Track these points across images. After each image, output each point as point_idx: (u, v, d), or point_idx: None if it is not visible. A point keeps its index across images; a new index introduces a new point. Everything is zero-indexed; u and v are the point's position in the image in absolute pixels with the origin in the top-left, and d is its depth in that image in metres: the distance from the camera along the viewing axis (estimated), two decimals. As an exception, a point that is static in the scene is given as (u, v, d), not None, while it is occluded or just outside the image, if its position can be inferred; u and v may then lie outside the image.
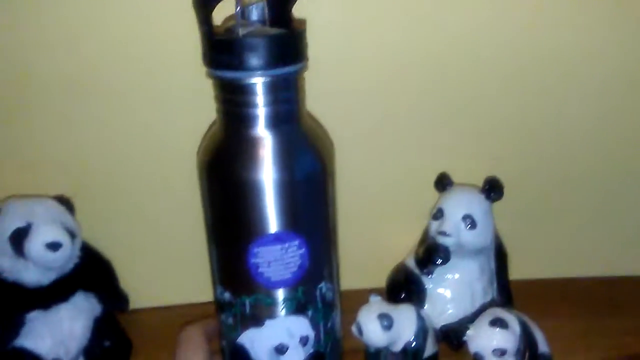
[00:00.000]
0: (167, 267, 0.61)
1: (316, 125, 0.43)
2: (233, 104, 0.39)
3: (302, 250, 0.41)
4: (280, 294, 0.41)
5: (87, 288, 0.54)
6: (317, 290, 0.43)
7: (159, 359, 0.54)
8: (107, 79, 0.53)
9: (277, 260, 0.40)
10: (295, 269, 0.41)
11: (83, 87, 0.54)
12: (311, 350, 0.43)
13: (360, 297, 0.50)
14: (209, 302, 0.48)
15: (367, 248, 0.62)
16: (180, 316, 0.60)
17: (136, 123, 0.55)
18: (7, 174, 0.56)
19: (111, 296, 0.56)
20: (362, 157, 0.58)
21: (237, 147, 0.39)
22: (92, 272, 0.54)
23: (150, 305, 0.62)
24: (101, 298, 0.55)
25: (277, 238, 0.40)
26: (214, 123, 0.42)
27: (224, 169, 0.39)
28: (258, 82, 0.37)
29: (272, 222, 0.39)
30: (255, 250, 0.40)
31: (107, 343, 0.54)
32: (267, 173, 0.39)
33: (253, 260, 0.40)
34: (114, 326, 0.55)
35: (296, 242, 0.40)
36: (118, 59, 0.53)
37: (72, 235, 0.51)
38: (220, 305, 0.43)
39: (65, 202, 0.53)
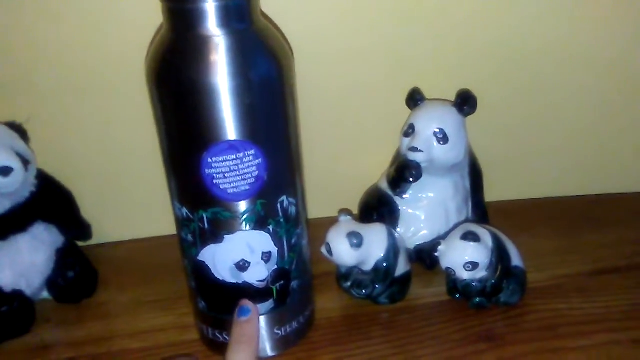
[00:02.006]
0: (130, 199, 0.59)
1: (273, 28, 0.40)
2: (179, -1, 0.36)
3: (259, 161, 0.38)
4: (239, 207, 0.39)
5: (46, 218, 0.52)
6: (279, 204, 0.41)
7: (125, 290, 0.54)
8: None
9: (232, 170, 0.38)
10: (252, 180, 0.39)
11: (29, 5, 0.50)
12: (275, 267, 0.42)
13: (330, 226, 0.49)
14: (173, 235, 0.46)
15: (337, 173, 0.60)
16: (146, 249, 0.59)
17: (83, 40, 0.52)
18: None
19: (71, 225, 0.54)
20: (327, 74, 0.55)
21: (186, 49, 0.36)
22: (50, 201, 0.52)
23: (117, 239, 0.60)
24: (61, 228, 0.53)
25: (232, 147, 0.37)
26: (160, 27, 0.39)
27: (172, 73, 0.37)
28: (204, -28, 0.35)
29: (227, 130, 0.37)
30: (209, 160, 0.37)
31: (71, 274, 0.52)
32: (220, 76, 0.36)
33: (208, 171, 0.38)
34: (77, 257, 0.54)
35: (252, 152, 0.38)
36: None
37: (25, 161, 0.49)
38: (179, 222, 0.42)
39: (17, 128, 0.51)
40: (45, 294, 0.52)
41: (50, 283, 0.52)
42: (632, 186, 0.64)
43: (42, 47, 0.52)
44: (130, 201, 0.59)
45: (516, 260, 0.49)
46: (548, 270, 0.52)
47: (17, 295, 0.49)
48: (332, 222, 0.49)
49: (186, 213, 0.40)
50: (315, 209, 0.55)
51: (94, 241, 0.58)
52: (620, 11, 0.57)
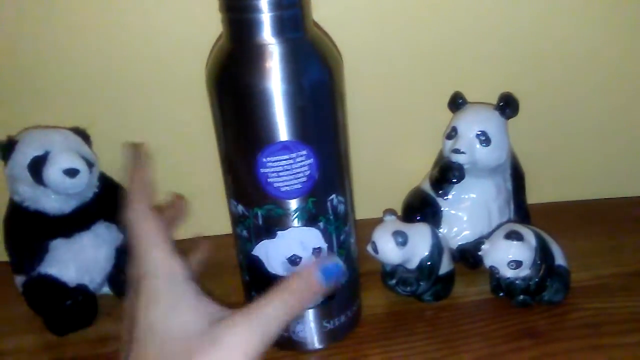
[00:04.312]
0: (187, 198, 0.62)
1: (323, 36, 0.42)
2: (237, 10, 0.38)
3: (311, 161, 0.41)
4: (291, 205, 0.42)
5: (107, 217, 0.55)
6: (328, 202, 0.43)
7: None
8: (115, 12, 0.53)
9: (285, 170, 0.40)
10: (304, 179, 0.41)
11: (93, 17, 0.54)
12: None
13: (375, 226, 0.50)
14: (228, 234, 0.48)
15: (381, 175, 0.62)
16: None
17: (144, 53, 0.55)
18: (24, 106, 0.56)
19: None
20: (374, 79, 0.57)
21: (243, 56, 0.39)
22: (111, 201, 0.54)
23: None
24: (121, 226, 0.56)
25: (285, 147, 0.40)
26: (220, 37, 0.41)
27: (231, 79, 0.39)
28: (260, -15, 0.37)
29: (280, 132, 0.40)
30: (264, 160, 0.40)
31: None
32: (274, 81, 0.38)
33: (262, 171, 0.40)
34: (135, 254, 0.56)
35: (304, 152, 0.40)
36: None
37: (89, 163, 0.52)
38: (234, 219, 0.44)
39: (81, 133, 0.54)
40: (106, 289, 0.55)
41: (111, 278, 0.55)
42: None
43: (109, 58, 0.56)
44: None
45: (560, 259, 0.50)
46: (591, 270, 0.53)
47: (81, 290, 0.52)
48: (377, 222, 0.51)
49: (242, 210, 0.42)
50: (362, 210, 0.57)
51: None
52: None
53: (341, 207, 0.44)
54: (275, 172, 0.40)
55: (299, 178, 0.41)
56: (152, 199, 0.39)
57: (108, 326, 0.52)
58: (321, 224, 0.43)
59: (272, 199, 0.41)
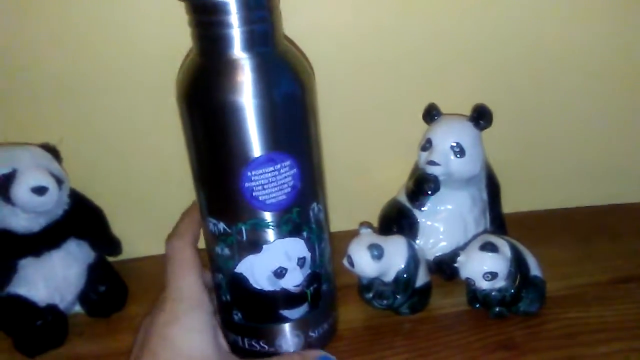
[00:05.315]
0: (160, 214, 0.61)
1: (294, 49, 0.42)
2: (207, 26, 0.38)
3: (294, 171, 0.40)
4: (276, 216, 0.41)
5: (78, 235, 0.54)
6: (310, 211, 0.43)
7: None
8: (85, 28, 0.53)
9: (270, 182, 0.40)
10: (288, 189, 0.41)
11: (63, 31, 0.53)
12: (308, 271, 0.44)
13: (351, 238, 0.50)
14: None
15: (357, 187, 0.62)
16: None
17: (115, 68, 0.55)
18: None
19: (102, 241, 0.56)
20: (347, 91, 0.57)
21: (216, 71, 0.38)
22: (82, 219, 0.54)
23: (146, 254, 0.62)
24: (93, 244, 0.55)
25: (270, 159, 0.39)
26: (190, 52, 0.41)
27: (204, 94, 0.39)
28: (231, 1, 0.36)
29: (262, 145, 0.39)
30: (249, 173, 0.39)
31: (102, 288, 0.54)
32: (246, 95, 0.38)
33: (247, 185, 0.40)
34: (108, 271, 0.56)
35: (288, 162, 0.40)
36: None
37: (59, 180, 0.51)
38: (213, 238, 0.43)
39: (51, 150, 0.53)
40: (77, 308, 0.54)
41: (82, 297, 0.54)
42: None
43: (71, 72, 0.55)
44: (157, 217, 0.61)
45: (535, 269, 0.50)
46: (566, 280, 0.53)
47: (51, 310, 0.51)
48: (353, 234, 0.51)
49: (223, 228, 0.42)
50: (338, 222, 0.57)
51: (123, 256, 0.59)
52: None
53: (321, 215, 0.44)
54: (261, 185, 0.40)
55: (283, 189, 0.40)
56: (197, 236, 0.44)
57: (79, 346, 0.51)
58: (305, 233, 0.43)
59: (257, 213, 0.41)
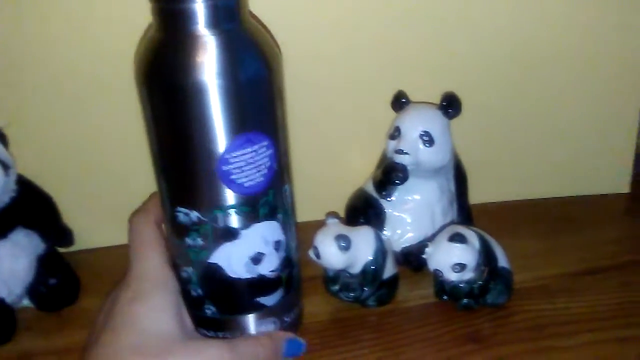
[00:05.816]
0: (114, 203, 0.58)
1: (261, 27, 0.40)
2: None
3: (271, 151, 0.39)
4: (254, 200, 0.39)
5: (27, 224, 0.51)
6: (283, 192, 0.41)
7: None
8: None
9: (249, 164, 0.38)
10: (265, 171, 0.39)
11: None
12: (283, 255, 0.42)
13: (317, 229, 0.49)
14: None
15: (323, 177, 0.60)
16: (128, 255, 0.58)
17: (67, 40, 0.51)
18: None
19: (52, 231, 0.53)
20: (313, 76, 0.55)
21: (180, 48, 0.36)
22: (31, 207, 0.51)
23: (99, 245, 0.59)
24: (42, 234, 0.52)
25: (249, 140, 0.37)
26: (149, 27, 0.38)
27: (169, 74, 0.36)
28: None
29: (239, 125, 0.37)
30: (226, 156, 0.37)
31: (52, 281, 0.51)
32: (215, 74, 0.36)
33: (225, 168, 0.37)
34: (59, 263, 0.53)
35: (265, 143, 0.38)
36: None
37: (5, 166, 0.48)
38: (183, 229, 0.40)
39: (-4, 133, 0.49)
40: (26, 302, 0.51)
41: (31, 290, 0.51)
42: (607, 188, 0.65)
43: (23, 47, 0.51)
44: (111, 206, 0.58)
45: (502, 261, 0.49)
46: (533, 271, 0.53)
47: (-3, 304, 0.48)
48: (319, 225, 0.49)
49: (197, 217, 0.39)
50: (304, 212, 0.55)
51: (75, 247, 0.57)
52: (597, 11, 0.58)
53: (290, 198, 0.43)
54: (239, 167, 0.38)
55: (261, 170, 0.39)
56: (161, 219, 0.43)
57: (28, 342, 0.48)
58: (280, 216, 0.41)
59: (235, 197, 0.39)
